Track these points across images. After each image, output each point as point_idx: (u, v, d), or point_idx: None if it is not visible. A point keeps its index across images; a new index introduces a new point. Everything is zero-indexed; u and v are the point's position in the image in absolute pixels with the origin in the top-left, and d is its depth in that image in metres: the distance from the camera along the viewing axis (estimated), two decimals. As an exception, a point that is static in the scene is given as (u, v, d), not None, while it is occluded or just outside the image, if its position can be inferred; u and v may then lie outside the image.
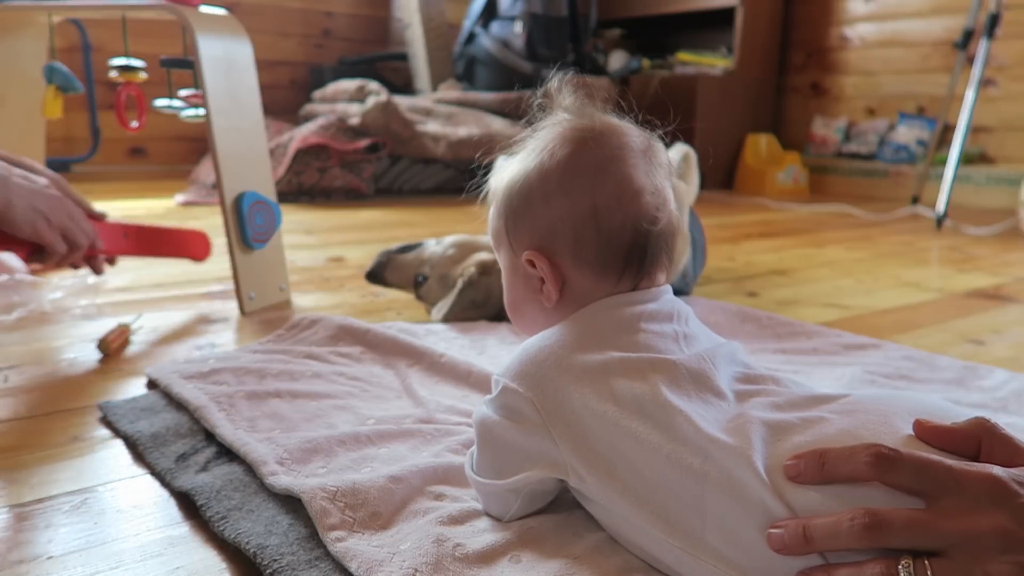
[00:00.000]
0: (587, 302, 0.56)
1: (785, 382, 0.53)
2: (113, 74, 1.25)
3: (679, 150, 1.41)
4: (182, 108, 1.24)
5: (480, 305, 1.08)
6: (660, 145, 0.59)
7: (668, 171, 0.58)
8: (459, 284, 1.08)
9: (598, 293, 0.56)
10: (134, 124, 1.28)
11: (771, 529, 0.42)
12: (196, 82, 1.14)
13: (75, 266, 0.99)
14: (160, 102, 1.25)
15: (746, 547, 0.44)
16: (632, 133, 0.57)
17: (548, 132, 0.58)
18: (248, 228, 1.15)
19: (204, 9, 1.17)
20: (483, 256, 1.10)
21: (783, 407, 0.50)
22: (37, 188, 0.86)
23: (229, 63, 1.16)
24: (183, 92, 1.24)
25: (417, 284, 1.14)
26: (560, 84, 0.59)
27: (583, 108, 0.58)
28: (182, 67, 1.17)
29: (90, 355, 0.97)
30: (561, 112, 0.58)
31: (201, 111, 1.20)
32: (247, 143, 1.19)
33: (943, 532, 0.40)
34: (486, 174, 0.62)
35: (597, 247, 0.55)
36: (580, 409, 0.50)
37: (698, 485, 0.45)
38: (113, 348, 0.97)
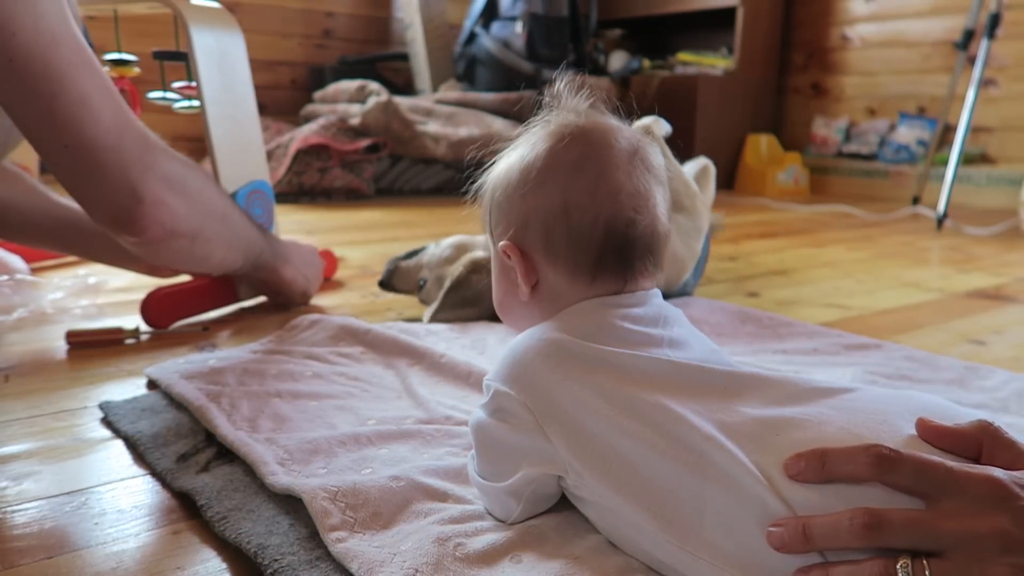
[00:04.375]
0: (563, 301, 0.56)
1: (780, 381, 0.53)
2: (105, 69, 1.26)
3: (698, 162, 1.41)
4: (176, 100, 1.25)
5: (472, 303, 1.08)
6: (653, 148, 0.58)
7: (658, 175, 0.57)
8: (446, 283, 1.08)
9: (573, 294, 0.56)
10: None
11: (771, 527, 0.42)
12: (189, 75, 1.15)
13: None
14: (154, 94, 1.25)
15: (744, 544, 0.43)
16: (621, 134, 0.57)
17: (538, 129, 0.58)
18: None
19: (196, 1, 1.17)
20: (475, 255, 1.10)
21: (781, 401, 0.49)
22: (311, 264, 1.17)
23: (222, 54, 1.17)
24: (177, 84, 1.24)
25: (419, 288, 1.15)
26: (565, 85, 0.60)
27: (576, 106, 0.59)
28: (175, 59, 1.18)
29: (91, 355, 0.97)
30: (557, 112, 0.59)
31: (195, 103, 1.21)
32: (242, 132, 1.20)
33: (943, 532, 0.40)
34: (480, 173, 0.62)
35: (567, 244, 0.55)
36: (572, 407, 0.50)
37: (695, 482, 0.45)
38: (75, 340, 0.99)
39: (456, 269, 1.08)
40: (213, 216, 0.94)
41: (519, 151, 0.58)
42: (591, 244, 0.55)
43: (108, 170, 0.79)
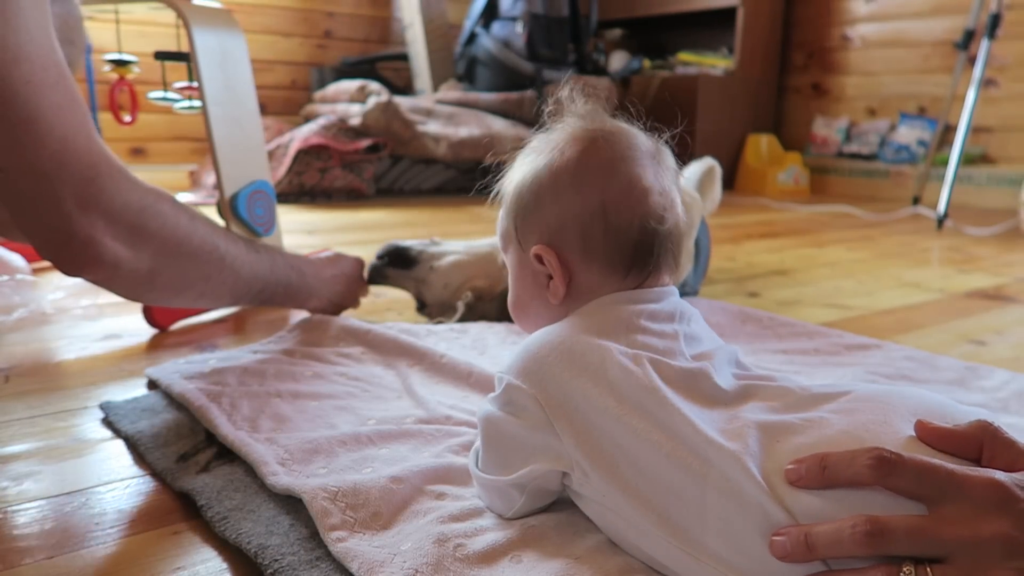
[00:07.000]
0: (591, 298, 0.57)
1: (783, 382, 0.53)
2: (106, 69, 1.26)
3: (704, 163, 1.41)
4: (176, 100, 1.25)
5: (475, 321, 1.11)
6: (668, 150, 0.61)
7: (676, 175, 0.60)
8: (459, 308, 1.11)
9: (604, 289, 0.57)
10: (127, 118, 1.29)
11: (774, 537, 0.42)
12: (190, 75, 1.15)
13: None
14: (154, 94, 1.25)
15: (747, 551, 0.43)
16: (641, 136, 0.60)
17: (558, 134, 0.60)
18: (250, 221, 1.17)
19: (198, 2, 1.17)
20: (478, 283, 1.11)
21: (781, 409, 0.49)
22: (328, 282, 1.10)
23: (224, 54, 1.17)
24: (178, 84, 1.24)
25: (418, 305, 1.17)
26: (571, 92, 0.61)
27: (593, 112, 0.60)
28: (177, 59, 1.18)
29: (91, 355, 0.97)
30: (571, 116, 0.60)
31: (196, 103, 1.21)
32: (243, 132, 1.20)
33: (945, 539, 0.40)
34: (494, 176, 0.63)
35: (604, 243, 0.56)
36: (582, 404, 0.50)
37: (697, 486, 0.45)
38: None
39: (465, 295, 1.12)
40: (177, 256, 0.83)
41: (543, 157, 0.59)
42: (627, 242, 0.56)
43: (40, 200, 0.71)
